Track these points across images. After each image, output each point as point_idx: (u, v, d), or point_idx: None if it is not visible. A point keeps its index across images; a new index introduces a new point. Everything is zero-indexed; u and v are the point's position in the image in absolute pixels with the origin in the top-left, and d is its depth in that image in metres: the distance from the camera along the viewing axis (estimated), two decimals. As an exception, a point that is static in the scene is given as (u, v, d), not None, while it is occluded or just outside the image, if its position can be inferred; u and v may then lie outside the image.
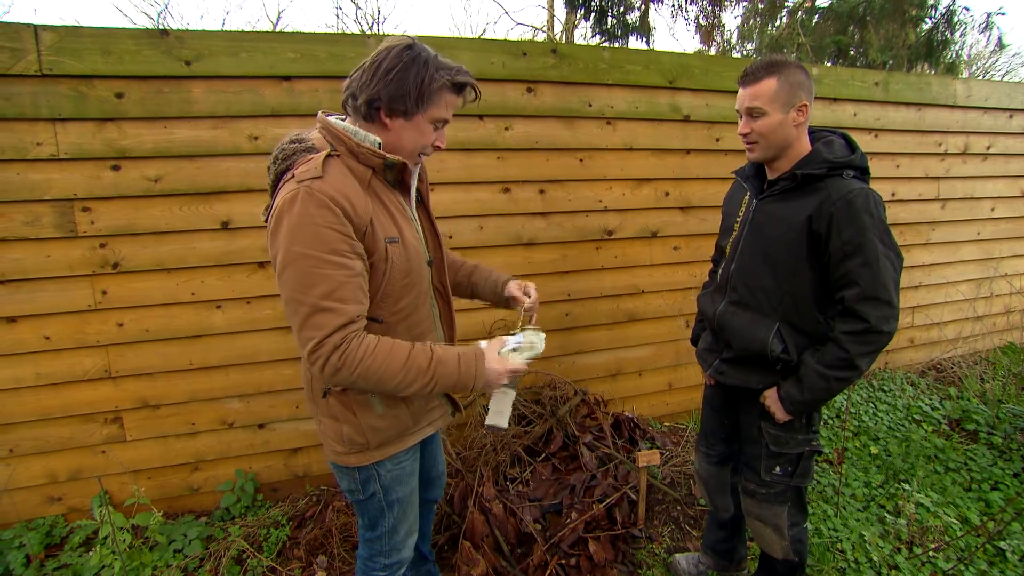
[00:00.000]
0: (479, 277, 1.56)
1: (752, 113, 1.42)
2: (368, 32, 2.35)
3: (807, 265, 1.40)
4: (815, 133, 1.49)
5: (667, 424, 2.98)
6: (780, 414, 1.47)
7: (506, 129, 2.41)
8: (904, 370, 3.57)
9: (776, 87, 1.36)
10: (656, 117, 2.64)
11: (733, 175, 1.68)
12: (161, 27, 1.85)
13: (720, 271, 1.62)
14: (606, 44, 7.15)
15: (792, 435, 1.50)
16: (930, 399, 3.09)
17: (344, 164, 1.08)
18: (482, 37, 2.35)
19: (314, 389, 1.27)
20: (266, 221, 1.12)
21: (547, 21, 12.66)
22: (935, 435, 2.71)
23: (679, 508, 2.25)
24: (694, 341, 1.85)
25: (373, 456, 1.25)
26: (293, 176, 1.04)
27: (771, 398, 1.49)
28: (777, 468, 1.54)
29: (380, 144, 1.10)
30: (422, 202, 1.31)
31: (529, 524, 2.05)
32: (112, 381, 2.17)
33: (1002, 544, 2.03)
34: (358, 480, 1.28)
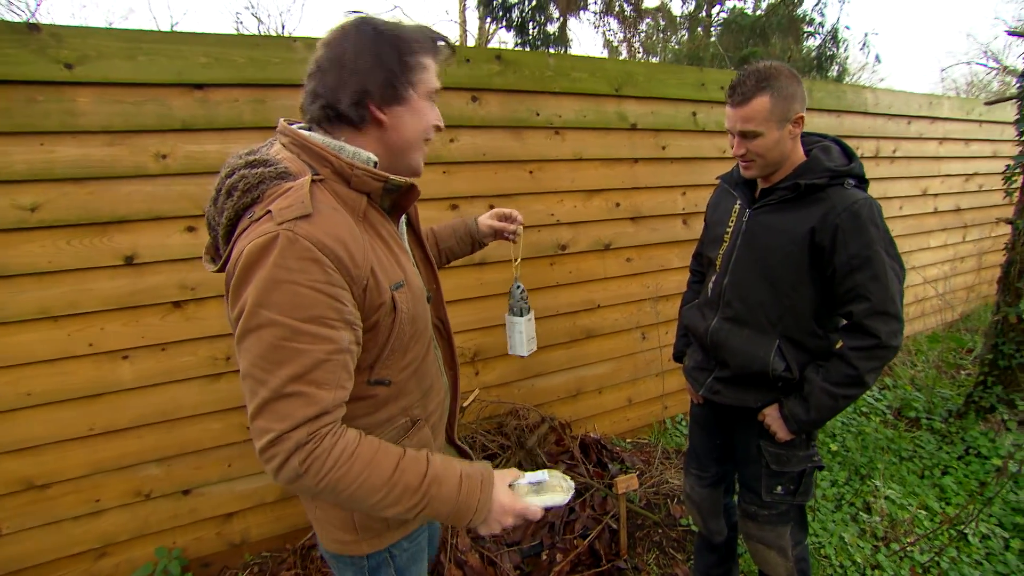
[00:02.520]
0: (446, 239, 1.39)
1: (746, 135, 1.32)
2: (294, 36, 2.13)
3: (808, 279, 1.33)
4: (807, 136, 1.43)
5: (630, 440, 2.90)
6: (783, 433, 1.39)
7: (451, 141, 2.23)
8: (838, 363, 3.74)
9: (770, 105, 1.27)
10: (604, 126, 2.58)
11: (718, 180, 1.61)
12: (30, 21, 1.52)
13: (711, 285, 1.53)
14: (551, 51, 7.18)
15: (793, 452, 1.43)
16: (871, 390, 3.24)
17: (331, 191, 0.83)
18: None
19: None
20: (218, 269, 0.86)
21: (459, 36, 12.62)
22: (884, 426, 2.82)
23: (660, 531, 2.15)
24: (677, 357, 1.75)
25: (392, 537, 1.02)
26: (268, 213, 0.77)
27: (772, 416, 1.41)
28: (779, 488, 1.46)
29: (376, 163, 0.88)
30: (410, 225, 1.08)
31: (510, 572, 1.86)
32: (-19, 461, 1.74)
33: (962, 527, 2.10)
34: (366, 569, 1.03)
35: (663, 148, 2.76)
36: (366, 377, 0.91)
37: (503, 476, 0.95)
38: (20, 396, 1.75)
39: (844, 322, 1.35)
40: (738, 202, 1.48)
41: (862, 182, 1.36)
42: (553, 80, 2.41)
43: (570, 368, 2.72)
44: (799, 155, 1.37)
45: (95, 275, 1.80)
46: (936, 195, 4.12)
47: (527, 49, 6.83)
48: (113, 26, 1.53)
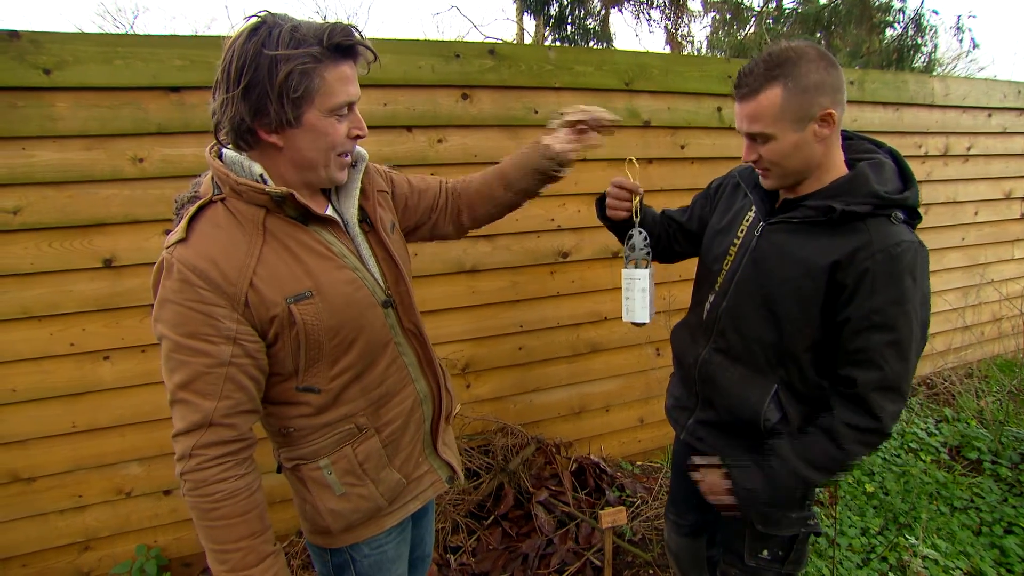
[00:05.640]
0: (519, 179, 1.22)
1: (755, 138, 1.06)
2: None
3: (819, 320, 1.07)
4: (852, 140, 1.13)
5: (639, 464, 2.68)
6: (721, 502, 1.15)
7: (439, 141, 2.12)
8: (894, 388, 3.32)
9: (782, 99, 0.99)
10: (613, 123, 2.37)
11: (734, 176, 1.33)
12: (10, 29, 1.54)
13: (708, 306, 1.26)
14: (553, 44, 6.94)
15: (784, 513, 1.20)
16: (925, 422, 2.83)
17: (230, 208, 0.88)
18: (407, 38, 2.11)
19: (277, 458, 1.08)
20: None
21: (516, 34, 12.54)
22: (935, 467, 2.44)
23: (652, 572, 1.94)
24: None
25: (342, 540, 1.06)
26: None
27: (711, 477, 1.17)
28: (764, 552, 1.23)
29: (263, 175, 0.87)
30: (372, 226, 1.03)
31: (473, 606, 1.73)
32: (-33, 454, 1.81)
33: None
34: (331, 565, 1.09)
35: (681, 147, 2.52)
36: (294, 384, 0.95)
37: None
38: (5, 392, 1.81)
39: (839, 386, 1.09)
40: (753, 209, 1.20)
41: (914, 216, 1.07)
42: (553, 75, 2.24)
43: (572, 384, 2.54)
44: (836, 163, 1.08)
45: (75, 277, 1.82)
46: (1023, 198, 3.57)
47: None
48: (88, 31, 1.52)
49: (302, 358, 0.92)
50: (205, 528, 0.87)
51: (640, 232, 1.26)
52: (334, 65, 0.83)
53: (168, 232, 0.92)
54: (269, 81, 0.79)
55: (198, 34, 1.87)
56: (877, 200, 1.01)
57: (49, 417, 1.87)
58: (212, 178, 0.91)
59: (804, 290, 1.07)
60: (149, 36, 1.78)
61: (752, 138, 1.06)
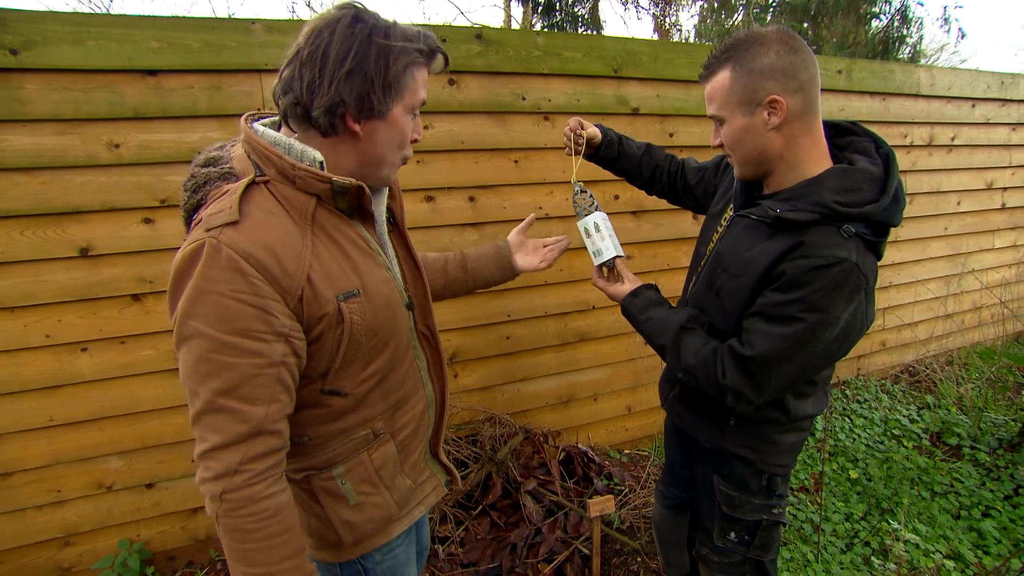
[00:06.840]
0: (475, 261, 1.36)
1: (714, 120, 1.09)
2: (252, 18, 2.04)
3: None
4: (856, 137, 1.09)
5: (628, 452, 2.69)
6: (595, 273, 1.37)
7: (425, 128, 2.08)
8: (877, 376, 3.37)
9: (730, 82, 1.00)
10: (601, 111, 2.35)
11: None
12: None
13: (689, 286, 1.32)
14: (541, 30, 6.87)
15: (748, 498, 1.21)
16: (907, 409, 2.88)
17: (275, 193, 0.80)
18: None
19: None
20: None
21: (504, 21, 12.39)
22: (917, 453, 2.48)
23: (640, 560, 1.95)
24: None
25: (351, 553, 1.00)
26: (200, 219, 0.78)
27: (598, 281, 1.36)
28: (732, 534, 1.25)
29: (323, 163, 0.81)
30: (396, 225, 1.01)
31: (462, 596, 1.72)
32: (-60, 449, 1.76)
33: (999, 583, 1.79)
34: None
35: (671, 135, 2.51)
36: (320, 386, 0.88)
37: None
38: (-23, 385, 1.76)
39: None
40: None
41: (880, 232, 0.98)
42: (541, 61, 2.21)
43: (560, 373, 2.54)
44: (806, 161, 1.03)
45: (50, 266, 1.77)
46: (1005, 189, 3.62)
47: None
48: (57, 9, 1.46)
49: (338, 359, 0.86)
50: (246, 552, 0.76)
51: (582, 190, 1.42)
52: (422, 66, 0.84)
53: (194, 211, 0.82)
54: (376, 68, 0.77)
55: (176, 15, 1.81)
56: (824, 210, 0.96)
57: (25, 410, 1.82)
58: (248, 156, 0.83)
59: (742, 289, 1.08)
60: (123, 16, 1.72)
61: (714, 120, 1.09)
